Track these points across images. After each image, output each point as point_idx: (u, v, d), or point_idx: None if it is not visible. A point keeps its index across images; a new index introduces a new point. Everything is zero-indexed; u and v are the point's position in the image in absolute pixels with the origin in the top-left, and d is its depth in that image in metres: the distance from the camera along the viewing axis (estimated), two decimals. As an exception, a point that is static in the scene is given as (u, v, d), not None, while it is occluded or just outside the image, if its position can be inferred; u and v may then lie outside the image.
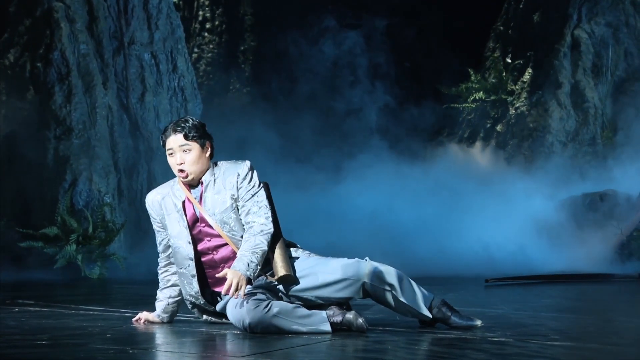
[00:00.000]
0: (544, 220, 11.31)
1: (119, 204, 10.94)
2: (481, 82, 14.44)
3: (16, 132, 10.67)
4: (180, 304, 5.07)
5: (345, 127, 14.96)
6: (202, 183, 4.82)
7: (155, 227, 4.98)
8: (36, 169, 10.62)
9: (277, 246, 4.77)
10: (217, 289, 4.85)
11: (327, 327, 4.64)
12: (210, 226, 4.78)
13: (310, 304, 4.74)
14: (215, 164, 4.88)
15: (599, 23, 14.04)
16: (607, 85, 14.00)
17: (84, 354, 3.94)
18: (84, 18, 11.17)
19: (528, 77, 14.25)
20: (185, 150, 4.76)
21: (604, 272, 10.29)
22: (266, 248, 4.68)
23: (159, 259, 5.04)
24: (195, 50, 17.43)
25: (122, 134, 11.32)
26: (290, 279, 4.71)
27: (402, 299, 4.72)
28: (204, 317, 5.00)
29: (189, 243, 4.81)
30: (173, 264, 4.98)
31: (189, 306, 4.97)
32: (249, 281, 4.59)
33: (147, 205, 4.97)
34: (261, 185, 4.84)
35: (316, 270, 4.75)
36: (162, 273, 5.05)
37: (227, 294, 4.53)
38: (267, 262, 4.76)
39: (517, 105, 14.19)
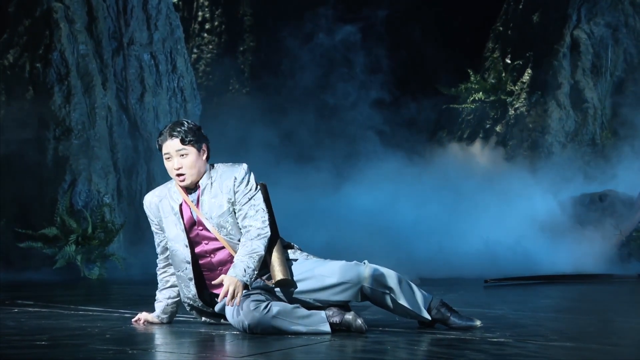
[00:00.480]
0: (544, 220, 11.30)
1: (118, 204, 10.94)
2: (480, 82, 14.43)
3: (15, 132, 10.67)
4: (179, 305, 5.08)
5: (345, 126, 14.96)
6: (199, 186, 4.82)
7: (153, 228, 4.99)
8: (35, 170, 10.62)
9: (275, 249, 4.77)
10: (215, 291, 4.85)
11: (327, 328, 4.65)
12: (207, 229, 4.79)
13: (309, 306, 4.74)
14: (212, 166, 4.87)
15: (598, 23, 14.04)
16: (606, 85, 14.00)
17: (83, 355, 3.94)
18: (83, 18, 11.17)
19: (527, 77, 14.25)
20: (182, 155, 4.76)
21: (603, 272, 10.29)
22: (263, 252, 4.68)
23: (157, 260, 5.05)
24: (195, 50, 17.44)
25: (121, 135, 11.32)
26: (288, 283, 4.71)
27: (401, 302, 4.73)
28: (203, 318, 5.00)
29: (186, 246, 4.81)
30: (172, 265, 4.98)
31: (187, 308, 4.98)
32: (245, 287, 4.59)
33: (144, 207, 4.98)
34: (258, 188, 4.83)
35: (314, 274, 4.75)
36: (161, 274, 5.05)
37: (223, 299, 4.55)
38: (264, 265, 4.76)
39: (517, 105, 14.20)
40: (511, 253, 10.68)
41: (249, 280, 4.59)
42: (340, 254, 5.08)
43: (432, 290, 4.90)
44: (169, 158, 4.79)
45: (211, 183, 4.82)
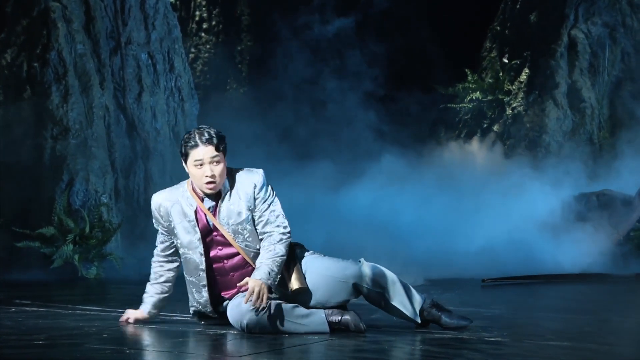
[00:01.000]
0: (541, 220, 11.30)
1: (116, 204, 10.93)
2: (478, 82, 14.43)
3: (13, 132, 10.66)
4: (169, 301, 5.06)
5: (343, 125, 14.95)
6: (219, 193, 4.78)
7: (158, 228, 4.95)
8: (33, 169, 10.60)
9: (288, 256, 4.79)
10: (224, 294, 4.84)
11: (325, 327, 4.65)
12: (222, 236, 4.77)
13: (307, 306, 4.75)
14: (228, 171, 4.84)
15: (595, 23, 14.04)
16: (604, 85, 14.00)
17: (80, 354, 3.94)
18: (80, 18, 11.16)
19: (525, 77, 14.25)
20: (215, 162, 4.73)
21: (600, 272, 10.29)
22: (285, 257, 4.69)
23: (155, 252, 4.99)
24: (192, 50, 17.42)
25: (119, 134, 11.31)
26: (304, 291, 4.72)
27: (392, 303, 4.74)
28: (202, 322, 4.99)
29: (201, 254, 4.78)
30: (170, 262, 4.97)
31: (191, 312, 4.95)
32: (269, 289, 4.60)
33: (153, 208, 4.90)
34: (275, 193, 4.83)
35: (309, 272, 4.76)
36: (155, 266, 4.99)
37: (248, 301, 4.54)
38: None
39: (514, 105, 14.20)
40: (510, 252, 10.68)
41: (272, 283, 4.61)
42: (340, 253, 5.07)
43: (429, 290, 4.92)
44: (201, 165, 4.72)
45: (230, 190, 4.80)
